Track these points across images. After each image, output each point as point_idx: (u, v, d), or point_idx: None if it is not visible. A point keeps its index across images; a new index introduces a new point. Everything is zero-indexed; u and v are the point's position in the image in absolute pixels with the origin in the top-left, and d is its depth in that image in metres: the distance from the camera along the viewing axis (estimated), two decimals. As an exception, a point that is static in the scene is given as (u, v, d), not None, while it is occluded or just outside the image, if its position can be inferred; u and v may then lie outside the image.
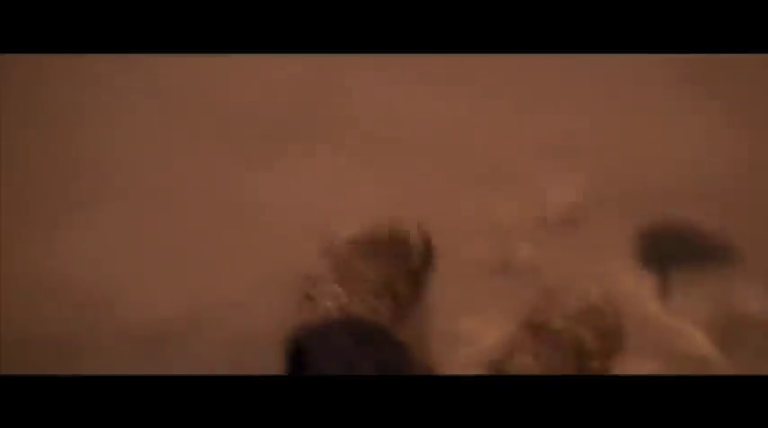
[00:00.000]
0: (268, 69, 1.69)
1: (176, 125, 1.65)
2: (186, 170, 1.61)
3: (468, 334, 1.47)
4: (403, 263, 1.41)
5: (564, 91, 1.58)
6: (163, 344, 1.43)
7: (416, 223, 1.44)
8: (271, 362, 1.24)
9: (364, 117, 1.60)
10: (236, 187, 1.58)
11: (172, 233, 1.55)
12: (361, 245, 1.39)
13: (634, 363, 1.43)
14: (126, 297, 1.49)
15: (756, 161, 1.53)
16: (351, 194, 1.56)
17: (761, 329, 1.45)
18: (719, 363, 1.43)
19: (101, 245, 1.55)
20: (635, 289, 1.49)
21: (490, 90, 1.61)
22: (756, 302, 1.47)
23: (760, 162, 1.53)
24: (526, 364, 1.36)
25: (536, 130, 1.57)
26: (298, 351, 1.22)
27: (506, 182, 1.55)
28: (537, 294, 1.45)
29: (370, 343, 1.24)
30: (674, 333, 1.46)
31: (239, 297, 1.49)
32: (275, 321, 1.32)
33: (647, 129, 1.57)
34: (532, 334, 1.39)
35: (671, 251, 1.51)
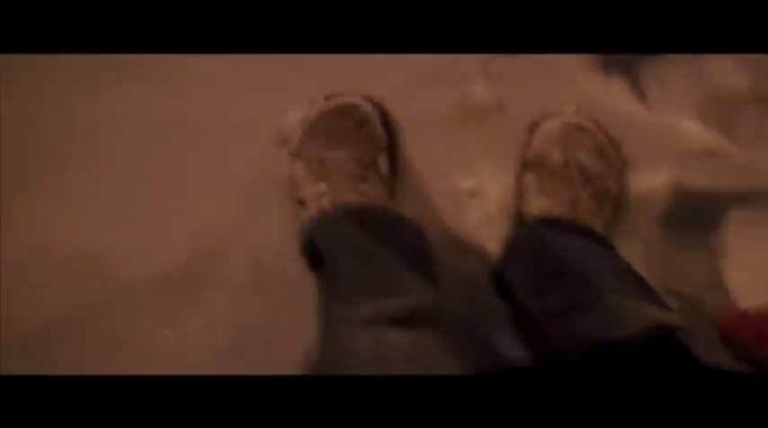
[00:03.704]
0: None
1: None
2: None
3: (471, 190, 1.32)
4: (369, 137, 1.27)
5: None
6: (185, 290, 1.30)
7: (359, 94, 1.29)
8: (295, 268, 1.19)
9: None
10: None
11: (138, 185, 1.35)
12: (320, 133, 1.25)
13: (647, 176, 1.33)
14: (119, 256, 1.32)
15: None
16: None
17: (750, 104, 1.34)
18: (726, 148, 1.33)
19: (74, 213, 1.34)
20: (607, 96, 1.35)
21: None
22: (735, 77, 1.35)
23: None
24: (543, 206, 1.21)
25: None
26: (311, 248, 1.14)
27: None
28: (517, 130, 1.32)
29: (373, 225, 1.13)
30: (669, 131, 1.35)
31: (237, 224, 1.32)
32: (282, 232, 1.25)
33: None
34: (535, 173, 1.27)
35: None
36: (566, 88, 1.34)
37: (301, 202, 1.21)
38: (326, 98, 1.28)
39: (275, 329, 1.27)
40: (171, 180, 1.33)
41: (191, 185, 1.33)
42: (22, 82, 1.35)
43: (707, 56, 1.34)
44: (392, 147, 1.29)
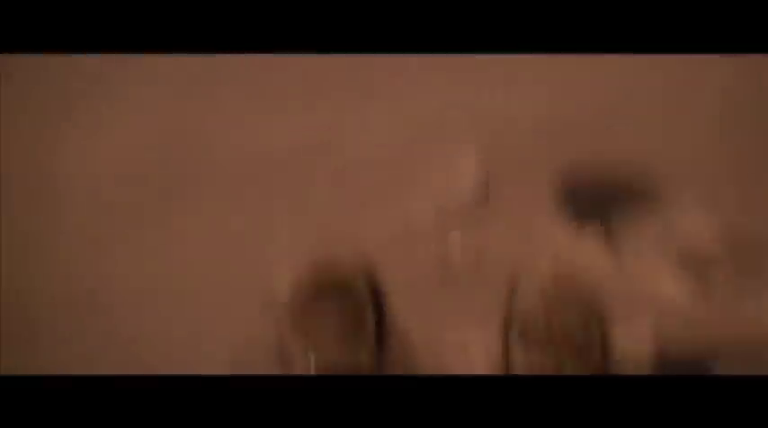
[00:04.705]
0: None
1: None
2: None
3: (458, 347, 1.34)
4: (356, 295, 1.30)
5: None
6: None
7: (351, 257, 1.32)
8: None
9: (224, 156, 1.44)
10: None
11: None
12: (308, 294, 1.28)
13: (627, 328, 1.33)
14: None
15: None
16: (257, 246, 1.42)
17: (722, 256, 1.38)
18: (702, 297, 1.38)
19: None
20: (581, 250, 1.40)
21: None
22: (704, 232, 1.39)
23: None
24: (529, 363, 1.24)
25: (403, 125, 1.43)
26: None
27: (400, 185, 1.46)
28: (497, 286, 1.33)
29: None
30: (644, 283, 1.39)
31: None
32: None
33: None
34: (517, 332, 1.29)
35: (598, 203, 1.41)
36: (535, 242, 1.38)
37: (287, 361, 1.23)
38: (314, 259, 1.30)
39: None
40: (155, 347, 1.34)
41: (180, 352, 1.33)
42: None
43: (675, 211, 1.40)
44: (379, 305, 1.30)
